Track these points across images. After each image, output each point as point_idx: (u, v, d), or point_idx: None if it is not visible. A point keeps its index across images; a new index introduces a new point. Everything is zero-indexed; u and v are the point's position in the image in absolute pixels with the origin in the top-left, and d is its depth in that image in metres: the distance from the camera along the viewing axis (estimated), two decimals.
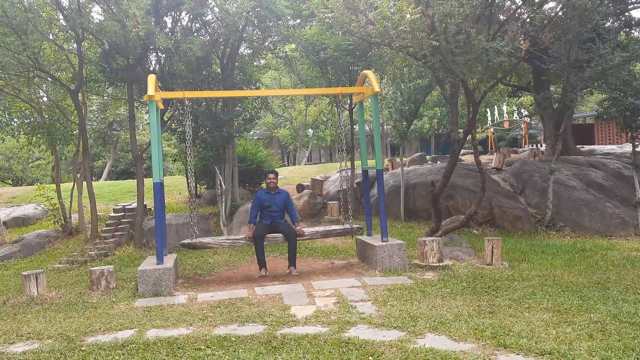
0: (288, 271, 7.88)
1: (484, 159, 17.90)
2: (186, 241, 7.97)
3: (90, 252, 10.52)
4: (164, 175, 9.83)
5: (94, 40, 11.66)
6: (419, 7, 8.42)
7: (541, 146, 21.92)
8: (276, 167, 18.07)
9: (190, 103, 8.71)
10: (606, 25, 12.45)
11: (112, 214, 12.60)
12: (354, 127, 14.93)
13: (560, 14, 10.27)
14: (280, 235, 8.04)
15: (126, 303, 6.86)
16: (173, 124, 12.14)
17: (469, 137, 10.55)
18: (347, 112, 14.06)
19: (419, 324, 5.31)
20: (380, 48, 10.76)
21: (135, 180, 12.13)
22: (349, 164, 14.23)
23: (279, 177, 8.61)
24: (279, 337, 5.09)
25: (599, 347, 4.54)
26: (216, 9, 11.21)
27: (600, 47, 10.68)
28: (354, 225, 8.56)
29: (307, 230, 8.37)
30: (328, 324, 5.47)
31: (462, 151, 22.42)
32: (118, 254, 10.63)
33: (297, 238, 8.07)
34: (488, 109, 23.73)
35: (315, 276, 7.97)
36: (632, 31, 14.55)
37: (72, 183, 12.78)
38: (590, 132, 25.25)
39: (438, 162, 18.61)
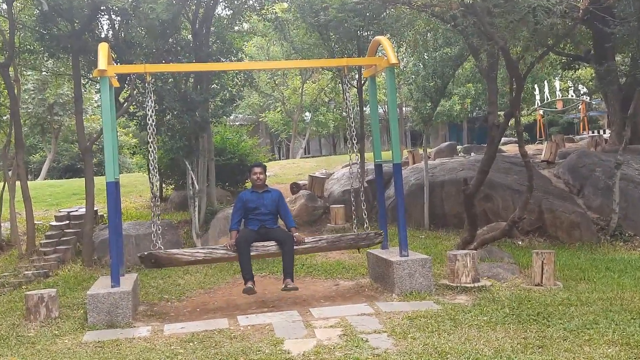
0: (283, 285, 7.75)
1: (531, 149, 17.92)
2: (147, 252, 7.86)
3: (26, 272, 10.51)
4: (120, 173, 9.80)
5: None
6: None
7: (604, 133, 21.93)
8: (264, 160, 18.05)
9: (153, 79, 8.69)
10: None
11: (54, 223, 12.59)
12: (364, 109, 14.93)
13: None
14: (272, 244, 7.92)
15: (72, 337, 6.84)
16: (131, 107, 12.13)
17: (512, 121, 10.53)
18: (355, 90, 14.06)
19: None
20: (397, 7, 10.73)
21: (83, 179, 12.13)
22: (357, 156, 14.23)
23: (267, 174, 8.58)
24: None
25: None
26: None
27: None
28: (371, 232, 8.46)
29: (307, 239, 8.33)
30: None
31: (503, 139, 22.39)
32: (62, 273, 10.63)
33: (295, 246, 7.95)
34: (536, 86, 23.76)
35: (315, 301, 7.95)
36: None
37: (2, 183, 12.76)
38: None
39: (472, 154, 18.57)
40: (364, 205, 8.67)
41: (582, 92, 24.67)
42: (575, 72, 20.56)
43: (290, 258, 7.88)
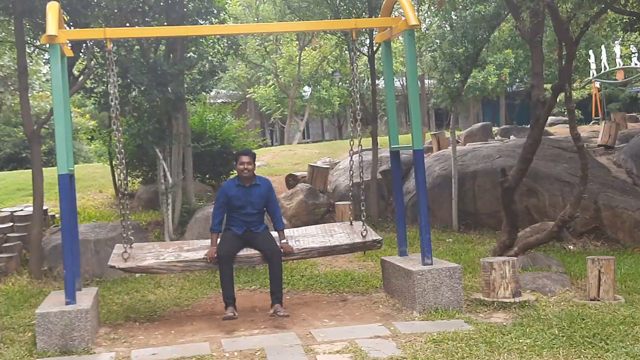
0: (271, 311, 7.86)
1: (585, 130, 17.90)
2: (117, 264, 7.94)
3: None
4: (75, 163, 9.78)
5: None
6: None
7: None
8: (254, 147, 18.03)
9: (115, 47, 8.69)
10: None
11: None
12: (377, 82, 14.91)
13: None
14: (257, 255, 8.14)
15: None
16: (88, 81, 12.10)
17: (561, 96, 10.51)
18: (366, 58, 14.02)
19: None
20: None
21: (30, 171, 12.12)
22: (368, 141, 14.24)
23: (257, 163, 8.59)
24: None
25: None
26: None
27: None
28: (370, 237, 8.57)
29: (298, 242, 8.42)
30: None
31: (550, 119, 22.39)
32: (4, 287, 10.64)
33: (283, 258, 8.13)
34: (591, 52, 23.63)
35: (317, 320, 7.96)
36: None
37: None
38: None
39: (511, 137, 18.61)
40: (362, 205, 8.80)
41: None
42: None
43: (278, 277, 8.02)
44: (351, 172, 9.17)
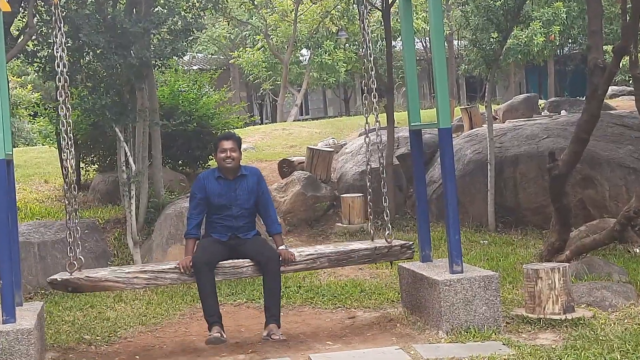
0: (265, 333, 7.80)
1: None
2: (59, 277, 7.93)
3: None
4: (14, 146, 9.76)
5: None
6: None
7: None
8: (239, 125, 18.04)
9: (63, 0, 8.66)
10: None
11: None
12: (394, 44, 14.88)
13: None
14: (246, 263, 7.95)
15: None
16: (30, 43, 12.09)
17: (626, 60, 10.47)
18: (379, 13, 13.99)
19: None
20: None
21: None
22: (383, 118, 14.21)
23: (244, 146, 8.51)
24: None
25: None
26: None
27: None
28: (395, 242, 8.52)
29: (299, 251, 8.36)
30: None
31: (611, 89, 22.30)
32: None
33: (282, 268, 7.97)
34: None
35: (318, 343, 7.96)
36: None
37: None
38: None
39: (562, 112, 18.59)
40: (385, 199, 8.70)
41: None
42: None
43: (275, 289, 7.87)
44: (368, 155, 9.09)
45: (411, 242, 8.60)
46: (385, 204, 8.73)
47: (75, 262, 7.99)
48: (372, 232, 8.93)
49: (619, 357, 6.87)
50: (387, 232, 8.64)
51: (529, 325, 7.97)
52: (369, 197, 8.89)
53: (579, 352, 7.02)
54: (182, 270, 7.81)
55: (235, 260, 7.94)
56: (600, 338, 7.43)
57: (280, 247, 8.07)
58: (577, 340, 7.38)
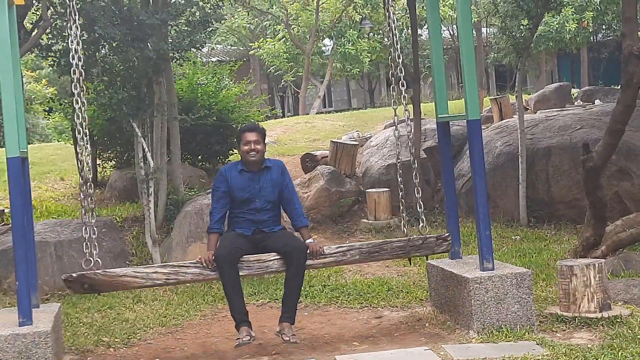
0: (278, 330, 7.76)
1: None
2: (77, 274, 7.90)
3: None
4: (29, 143, 9.77)
5: None
6: None
7: None
8: (260, 119, 18.03)
9: None
10: None
11: None
12: (420, 32, 14.83)
13: None
14: (273, 257, 7.87)
15: None
16: (45, 37, 12.11)
17: None
18: (405, 1, 13.91)
19: None
20: None
21: None
22: (409, 110, 14.15)
23: (267, 139, 8.41)
24: None
25: None
26: None
27: None
28: (431, 235, 8.42)
29: (328, 247, 8.29)
30: None
31: None
32: None
33: (309, 261, 7.88)
34: None
35: (344, 344, 7.95)
36: None
37: None
38: None
39: (596, 102, 18.50)
40: (418, 191, 8.61)
41: None
42: None
43: (297, 286, 7.81)
44: (398, 148, 9.02)
45: (447, 234, 8.51)
46: (418, 195, 8.62)
47: (91, 259, 7.96)
48: (404, 225, 8.78)
49: None
50: (421, 225, 8.54)
51: (563, 324, 7.91)
52: (400, 192, 8.80)
53: (616, 351, 6.97)
54: (204, 265, 7.72)
55: (261, 255, 7.86)
56: (638, 337, 7.36)
57: (308, 240, 8.00)
58: (614, 340, 7.32)
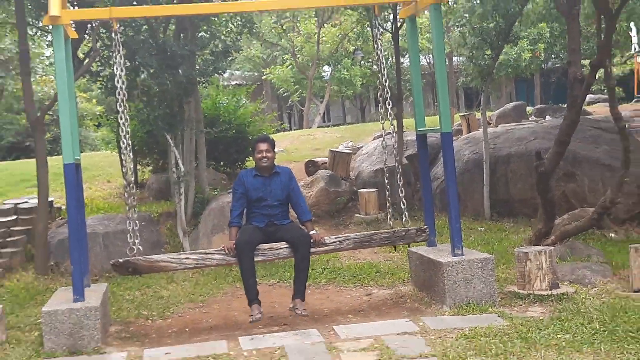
0: (291, 305, 7.82)
1: (627, 109, 17.72)
2: (123, 260, 7.96)
3: None
4: (81, 152, 9.83)
5: None
6: None
7: None
8: (271, 132, 18.03)
9: (122, 28, 8.72)
10: None
11: None
12: (402, 60, 14.87)
13: None
14: (282, 246, 7.92)
15: None
16: (94, 65, 12.16)
17: (601, 73, 10.42)
18: (389, 35, 13.97)
19: None
20: None
21: (34, 160, 12.21)
22: (392, 124, 14.18)
23: (276, 149, 8.42)
24: None
25: None
26: None
27: None
28: (412, 228, 8.47)
29: (328, 237, 8.33)
30: None
31: (589, 98, 22.17)
32: (9, 284, 10.74)
33: (314, 249, 7.96)
34: (633, 25, 23.42)
35: (340, 316, 7.98)
36: None
37: None
38: None
39: (547, 118, 18.52)
40: (401, 192, 8.68)
41: None
42: None
43: (304, 269, 7.87)
44: (385, 155, 9.11)
45: (425, 227, 8.56)
46: (401, 194, 8.70)
47: (134, 247, 8.06)
48: (390, 219, 8.90)
49: (597, 327, 6.85)
50: (404, 219, 8.64)
51: (520, 300, 7.98)
52: (386, 192, 8.87)
53: (563, 322, 7.04)
54: (226, 252, 7.82)
55: (273, 244, 7.91)
56: (581, 310, 7.44)
57: (312, 232, 8.04)
58: (562, 313, 7.40)
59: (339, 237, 8.27)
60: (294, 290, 7.86)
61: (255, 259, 7.84)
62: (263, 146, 8.02)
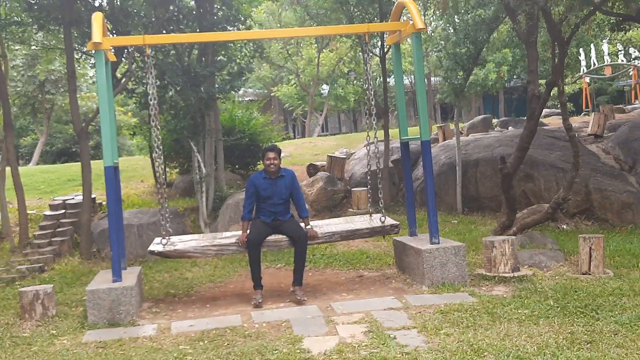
0: (292, 290, 7.91)
1: (576, 121, 17.72)
2: (157, 248, 8.02)
3: (20, 267, 10.64)
4: (119, 156, 9.85)
5: None
6: None
7: None
8: (278, 140, 18.05)
9: (153, 52, 8.74)
10: None
11: (48, 212, 12.71)
12: (388, 80, 14.88)
13: None
14: (284, 239, 8.03)
15: (72, 337, 6.93)
16: (130, 83, 12.17)
17: (555, 91, 10.43)
18: (378, 59, 13.97)
19: None
20: None
21: (79, 163, 12.21)
22: (380, 134, 14.20)
23: (282, 155, 8.43)
24: None
25: None
26: None
27: None
28: (388, 222, 8.52)
29: (321, 229, 8.37)
30: None
31: (545, 111, 22.23)
32: (58, 268, 10.75)
33: (308, 242, 8.03)
34: (581, 50, 23.43)
35: (336, 294, 7.98)
36: None
37: None
38: None
39: (510, 128, 18.49)
40: (380, 192, 8.76)
41: (633, 57, 24.32)
42: (625, 33, 20.28)
43: (302, 261, 7.96)
44: (369, 160, 9.13)
45: (398, 223, 8.59)
46: (380, 195, 8.78)
47: (165, 233, 8.16)
48: (370, 213, 8.98)
49: (551, 303, 6.87)
50: (380, 216, 8.65)
51: (486, 281, 7.99)
52: (368, 191, 8.90)
53: (523, 300, 7.07)
54: (240, 244, 7.93)
55: (276, 237, 7.98)
56: (538, 290, 7.46)
57: (308, 227, 8.09)
58: (522, 292, 7.42)
59: (328, 232, 8.28)
60: (294, 279, 7.94)
61: (263, 250, 7.97)
62: (271, 154, 8.07)
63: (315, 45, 31.09)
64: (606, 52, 23.81)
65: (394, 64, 9.49)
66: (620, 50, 24.55)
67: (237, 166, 15.78)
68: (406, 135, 9.10)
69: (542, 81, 12.61)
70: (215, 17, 12.24)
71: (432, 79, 33.66)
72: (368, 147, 8.87)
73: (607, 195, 11.74)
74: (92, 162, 11.90)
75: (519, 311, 6.65)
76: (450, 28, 13.63)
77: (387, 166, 13.95)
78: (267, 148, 8.24)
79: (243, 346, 6.12)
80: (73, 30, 11.63)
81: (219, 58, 12.58)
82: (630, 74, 25.28)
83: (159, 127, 8.39)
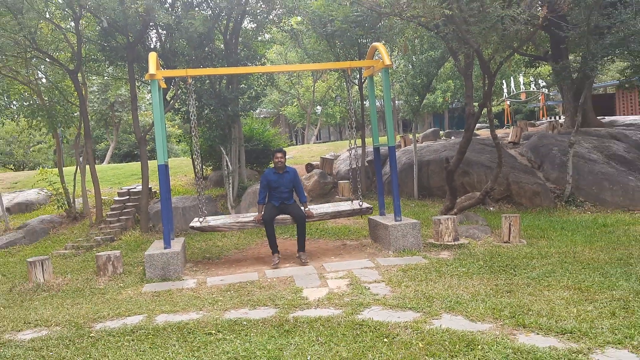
0: (297, 256, 7.90)
1: (500, 133, 17.75)
2: (196, 224, 8.00)
3: (96, 237, 10.63)
4: (168, 157, 9.86)
5: (92, 18, 11.61)
6: None
7: (560, 118, 21.69)
8: (284, 146, 18.02)
9: (193, 81, 8.69)
10: None
11: (117, 198, 12.69)
12: (364, 102, 14.85)
13: None
14: (288, 218, 8.01)
15: (134, 288, 6.94)
16: (176, 104, 12.13)
17: (485, 110, 10.45)
18: (357, 87, 13.96)
19: (434, 305, 5.34)
20: (390, 18, 10.61)
21: (140, 162, 12.18)
22: (359, 141, 14.19)
23: (287, 157, 8.45)
24: (291, 320, 5.14)
25: (622, 325, 4.54)
26: None
27: (622, 12, 10.46)
28: (364, 205, 8.52)
29: (316, 211, 8.36)
30: (341, 306, 5.51)
31: (477, 125, 22.24)
32: (124, 238, 10.74)
33: (306, 220, 8.03)
34: (504, 81, 23.45)
35: (327, 258, 8.01)
36: None
37: (75, 167, 12.86)
38: (612, 102, 24.90)
39: (452, 138, 18.49)
40: (358, 184, 8.82)
41: (541, 85, 24.38)
42: (536, 69, 20.31)
43: (302, 233, 7.92)
44: (350, 161, 9.13)
45: (371, 206, 8.57)
46: (359, 186, 8.79)
47: (202, 214, 8.12)
48: (352, 199, 8.99)
49: (482, 263, 6.89)
50: (359, 201, 8.66)
51: (435, 248, 8.01)
52: (352, 182, 8.85)
53: (461, 261, 7.10)
54: (256, 222, 7.91)
55: (283, 216, 7.95)
56: (472, 254, 7.49)
57: (306, 209, 8.05)
58: (461, 255, 7.45)
59: (320, 212, 8.26)
60: (298, 247, 7.93)
61: (274, 226, 7.92)
62: (279, 154, 8.05)
63: (312, 76, 31.00)
64: (522, 83, 23.81)
65: (369, 91, 9.47)
66: (532, 81, 24.59)
67: (254, 165, 15.75)
68: (377, 142, 9.11)
69: (476, 103, 12.63)
70: (238, 56, 12.20)
71: (396, 101, 33.68)
72: (350, 151, 8.89)
73: (522, 186, 11.78)
74: (149, 161, 11.86)
75: (458, 269, 6.69)
76: (409, 65, 13.61)
77: (363, 165, 13.93)
78: (276, 150, 8.25)
79: (259, 295, 6.14)
80: (135, 65, 11.58)
81: (241, 85, 12.54)
82: (539, 98, 25.31)
83: (197, 136, 8.39)
